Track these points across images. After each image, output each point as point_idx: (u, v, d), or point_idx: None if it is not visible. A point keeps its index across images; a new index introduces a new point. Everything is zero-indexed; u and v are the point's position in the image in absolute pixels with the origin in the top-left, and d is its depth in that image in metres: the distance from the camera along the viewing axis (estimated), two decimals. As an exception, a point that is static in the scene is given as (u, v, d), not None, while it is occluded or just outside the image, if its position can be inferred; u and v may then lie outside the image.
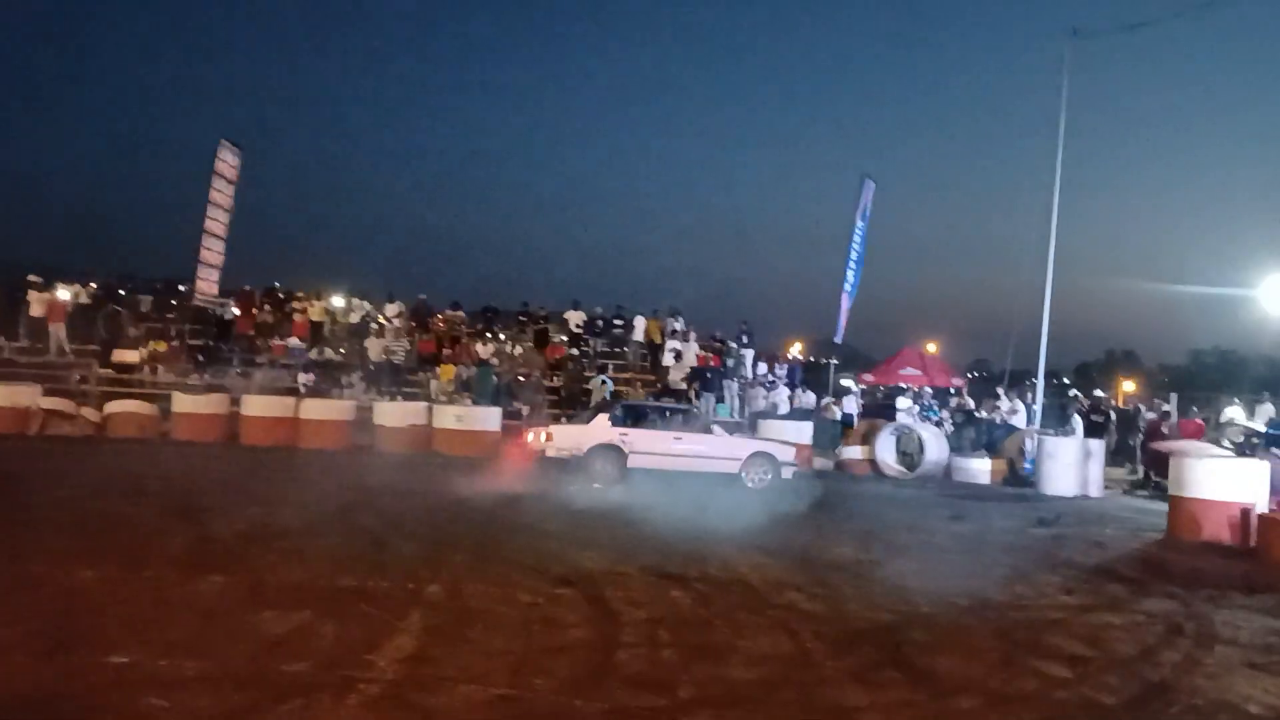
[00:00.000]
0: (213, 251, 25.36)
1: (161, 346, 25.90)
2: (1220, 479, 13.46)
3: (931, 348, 50.87)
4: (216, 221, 25.38)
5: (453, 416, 22.09)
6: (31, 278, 26.12)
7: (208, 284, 25.71)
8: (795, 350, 54.03)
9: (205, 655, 5.88)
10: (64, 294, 26.36)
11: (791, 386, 29.68)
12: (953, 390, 33.01)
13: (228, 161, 25.50)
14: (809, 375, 36.25)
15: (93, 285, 28.06)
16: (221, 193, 25.38)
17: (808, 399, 29.06)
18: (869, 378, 36.81)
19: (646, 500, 14.05)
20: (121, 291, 29.21)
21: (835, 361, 41.02)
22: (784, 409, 27.14)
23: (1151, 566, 11.19)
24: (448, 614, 7.21)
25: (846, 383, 34.87)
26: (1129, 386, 56.18)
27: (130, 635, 6.18)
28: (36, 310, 25.26)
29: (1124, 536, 13.81)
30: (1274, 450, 17.36)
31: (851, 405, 29.25)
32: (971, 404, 29.51)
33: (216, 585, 7.76)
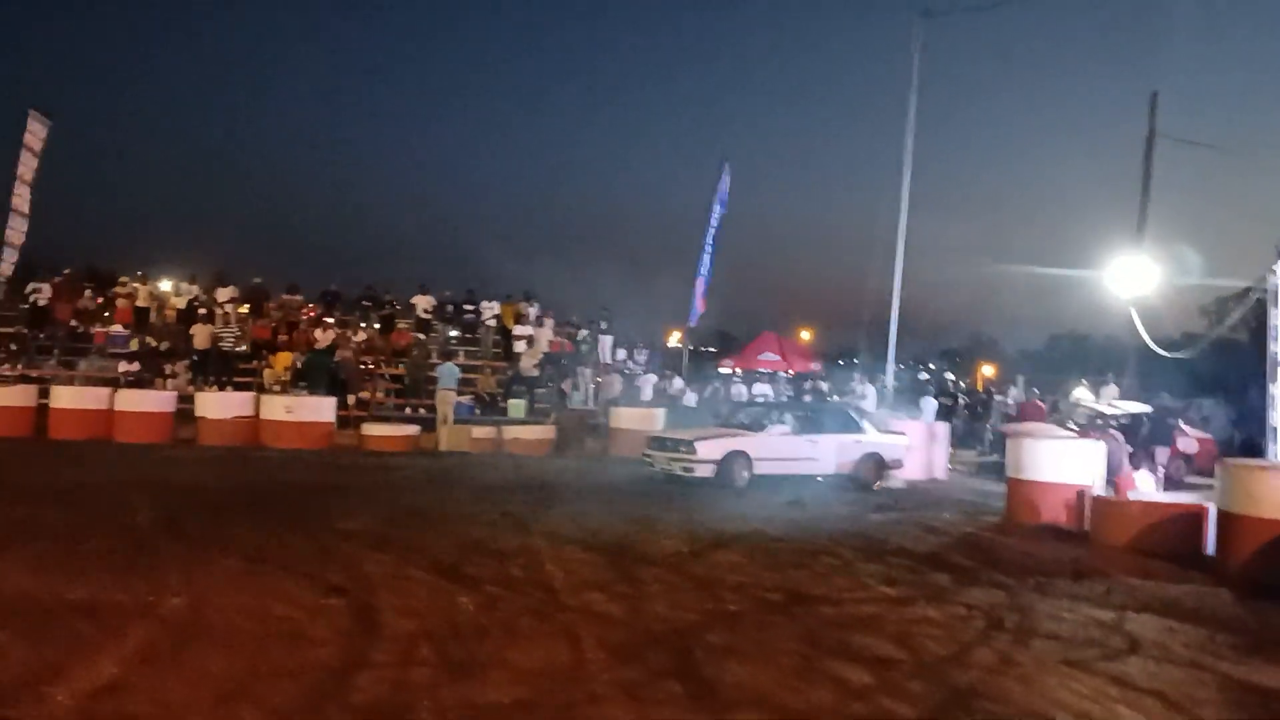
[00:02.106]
0: (16, 231, 23.38)
1: (-33, 335, 23.94)
2: (1056, 461, 13.19)
3: (806, 335, 51.11)
4: (21, 198, 23.41)
5: (281, 407, 20.82)
6: None
7: (7, 265, 23.74)
8: (675, 339, 53.48)
9: None
10: None
11: (646, 373, 29.12)
12: (809, 375, 32.91)
13: (35, 133, 23.52)
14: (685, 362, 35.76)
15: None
16: (27, 166, 23.40)
17: (675, 385, 28.56)
18: (729, 363, 36.59)
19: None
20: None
21: (712, 349, 40.70)
22: (646, 395, 26.55)
23: (983, 552, 10.77)
24: (176, 632, 6.24)
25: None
26: (988, 371, 57.19)
27: None
28: None
29: (961, 521, 13.45)
30: (1112, 431, 17.34)
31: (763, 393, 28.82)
32: (826, 388, 29.38)
33: (-90, 603, 6.63)
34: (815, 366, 34.72)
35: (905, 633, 7.04)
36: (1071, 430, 20.86)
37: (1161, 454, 19.72)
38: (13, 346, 24.47)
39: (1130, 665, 6.41)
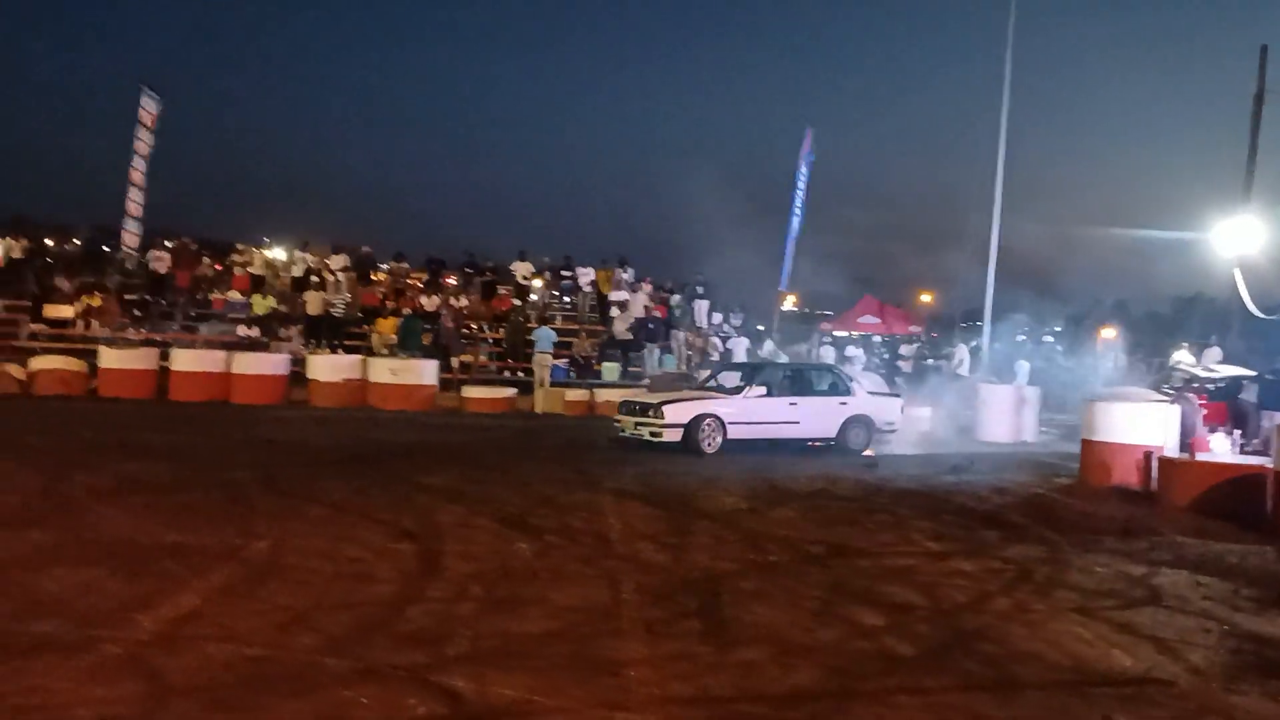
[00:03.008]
0: (135, 203, 24.79)
1: (95, 301, 25.48)
2: (1126, 422, 13.24)
3: (925, 298, 50.75)
4: (139, 171, 24.81)
5: (387, 370, 21.79)
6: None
7: (131, 235, 25.21)
8: (789, 303, 53.84)
9: (-43, 615, 5.61)
10: (-6, 248, 25.93)
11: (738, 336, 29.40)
12: (908, 338, 32.89)
13: (148, 109, 24.86)
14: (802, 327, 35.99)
15: (23, 239, 27.51)
16: (144, 141, 24.78)
17: (766, 349, 28.84)
18: (827, 326, 36.70)
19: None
20: (51, 244, 28.70)
21: (829, 312, 40.78)
22: (739, 358, 26.92)
23: (1041, 512, 10.98)
24: (254, 570, 6.93)
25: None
26: (1108, 334, 55.98)
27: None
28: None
29: (1033, 482, 13.62)
30: (1186, 395, 17.15)
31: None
32: (923, 351, 29.36)
33: (26, 541, 7.46)
34: (915, 329, 34.66)
35: (933, 583, 7.39)
36: (1168, 394, 20.65)
37: (1280, 419, 19.33)
38: (137, 312, 25.99)
39: (1141, 615, 6.67)
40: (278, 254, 29.59)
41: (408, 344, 23.15)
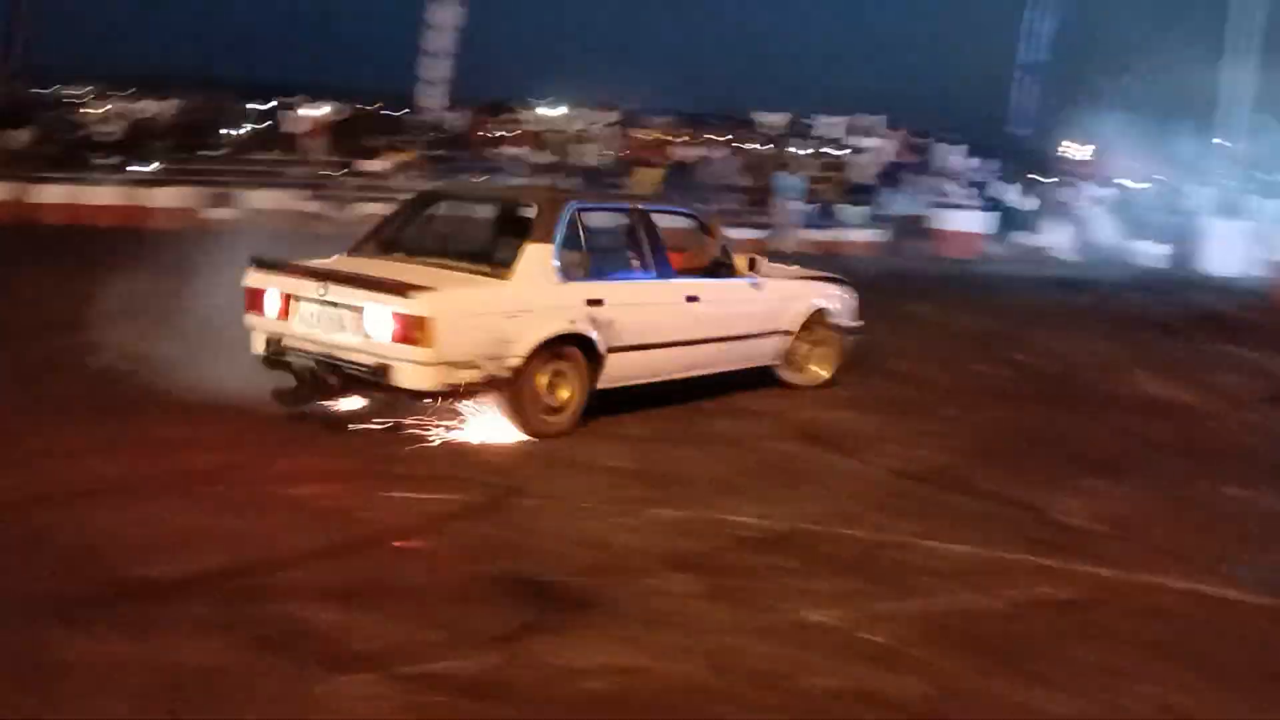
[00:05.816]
0: (434, 69, 28.47)
1: (405, 156, 29.40)
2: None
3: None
4: (435, 41, 28.26)
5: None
6: (295, 98, 30.15)
7: (431, 99, 29.00)
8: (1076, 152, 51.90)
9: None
10: (318, 111, 30.29)
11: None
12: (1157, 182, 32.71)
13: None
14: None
15: (342, 103, 31.82)
16: (439, 14, 28.15)
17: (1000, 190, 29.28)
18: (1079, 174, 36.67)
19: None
20: (366, 107, 33.03)
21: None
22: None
23: (1210, 321, 12.36)
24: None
25: None
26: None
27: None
28: (297, 126, 29.31)
29: (1222, 303, 14.31)
30: None
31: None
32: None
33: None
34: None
35: (1067, 353, 9.48)
36: None
37: None
38: (437, 166, 29.88)
39: (1215, 375, 8.61)
40: (555, 112, 32.79)
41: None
